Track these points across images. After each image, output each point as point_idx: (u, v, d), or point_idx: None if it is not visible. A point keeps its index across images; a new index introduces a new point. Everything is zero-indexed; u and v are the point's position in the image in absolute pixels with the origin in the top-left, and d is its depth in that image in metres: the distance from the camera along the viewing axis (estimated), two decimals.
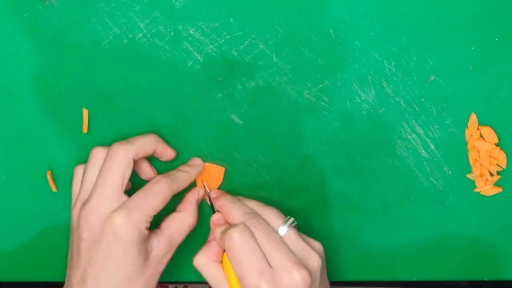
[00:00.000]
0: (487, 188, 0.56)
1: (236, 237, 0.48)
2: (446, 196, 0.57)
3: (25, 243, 0.58)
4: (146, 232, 0.49)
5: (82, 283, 0.49)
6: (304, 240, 0.51)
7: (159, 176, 0.52)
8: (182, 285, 0.62)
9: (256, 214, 0.51)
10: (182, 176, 0.53)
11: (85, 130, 0.56)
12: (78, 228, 0.50)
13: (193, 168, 0.54)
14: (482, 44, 0.54)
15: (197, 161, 0.56)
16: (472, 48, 0.54)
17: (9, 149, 0.56)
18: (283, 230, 0.50)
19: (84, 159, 0.55)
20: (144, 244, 0.49)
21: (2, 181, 0.56)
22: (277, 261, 0.48)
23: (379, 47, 0.54)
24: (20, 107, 0.55)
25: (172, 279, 0.58)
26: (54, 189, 0.57)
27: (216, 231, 0.51)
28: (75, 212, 0.51)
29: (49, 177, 0.56)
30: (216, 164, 0.56)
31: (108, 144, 0.55)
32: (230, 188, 0.56)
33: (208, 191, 0.55)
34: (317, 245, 0.52)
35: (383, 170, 0.56)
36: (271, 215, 0.51)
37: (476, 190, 0.57)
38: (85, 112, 0.55)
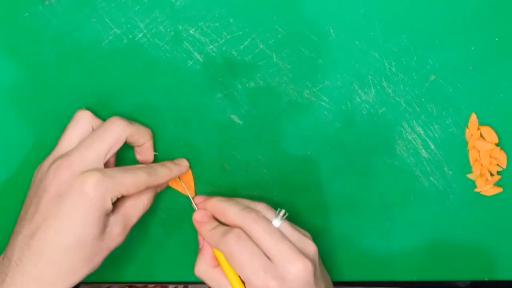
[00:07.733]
0: (487, 188, 0.56)
1: (234, 244, 0.48)
2: (446, 196, 0.57)
3: None
4: (110, 205, 0.48)
5: (29, 238, 0.47)
6: (297, 230, 0.51)
7: (142, 165, 0.51)
8: (182, 285, 0.62)
9: (252, 209, 0.50)
10: (163, 171, 0.52)
11: None
12: (45, 180, 0.48)
13: (176, 167, 0.54)
14: (482, 44, 0.54)
15: (183, 162, 0.55)
16: (472, 48, 0.54)
17: (9, 149, 0.56)
18: (277, 223, 0.50)
19: None
20: (104, 216, 0.48)
21: (2, 181, 0.56)
22: (279, 255, 0.48)
23: (379, 47, 0.54)
24: (20, 107, 0.55)
25: (172, 279, 0.58)
26: None
27: (204, 230, 0.51)
28: (44, 165, 0.50)
29: None
30: (216, 164, 0.56)
31: None
32: (230, 188, 0.56)
33: (189, 194, 0.55)
34: (307, 233, 0.51)
35: (383, 170, 0.56)
36: (262, 209, 0.51)
37: (476, 190, 0.57)
38: None
